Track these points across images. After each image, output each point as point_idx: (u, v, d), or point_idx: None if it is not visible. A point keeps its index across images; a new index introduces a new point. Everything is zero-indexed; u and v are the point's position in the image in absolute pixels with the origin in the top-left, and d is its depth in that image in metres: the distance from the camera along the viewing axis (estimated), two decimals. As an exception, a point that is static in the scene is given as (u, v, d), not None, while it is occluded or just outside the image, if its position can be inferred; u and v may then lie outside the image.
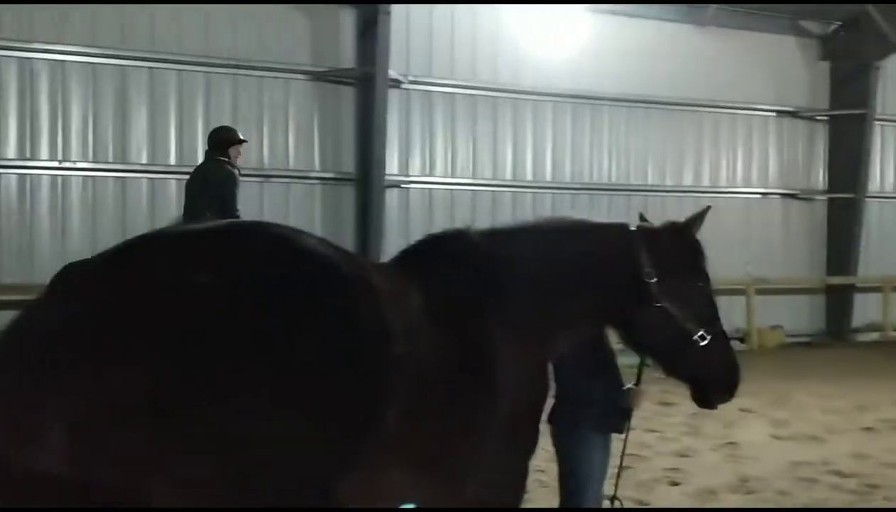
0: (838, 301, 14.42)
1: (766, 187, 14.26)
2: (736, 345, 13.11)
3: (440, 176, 12.01)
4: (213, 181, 7.42)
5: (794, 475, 6.34)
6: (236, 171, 7.55)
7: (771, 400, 9.14)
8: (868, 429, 7.86)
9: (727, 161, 13.98)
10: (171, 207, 10.36)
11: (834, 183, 14.44)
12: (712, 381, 3.36)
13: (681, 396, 8.75)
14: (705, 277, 3.36)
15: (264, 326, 2.13)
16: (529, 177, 12.66)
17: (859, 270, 14.38)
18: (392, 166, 11.58)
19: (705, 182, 13.80)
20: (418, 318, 2.56)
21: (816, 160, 14.56)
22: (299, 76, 11.10)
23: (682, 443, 7.30)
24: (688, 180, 13.72)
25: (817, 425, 7.96)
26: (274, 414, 2.08)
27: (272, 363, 2.10)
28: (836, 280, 14.28)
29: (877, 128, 14.52)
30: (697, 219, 3.37)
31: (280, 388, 2.12)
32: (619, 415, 3.93)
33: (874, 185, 14.74)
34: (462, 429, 2.66)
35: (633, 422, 7.70)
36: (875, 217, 14.79)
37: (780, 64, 14.17)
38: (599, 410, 3.86)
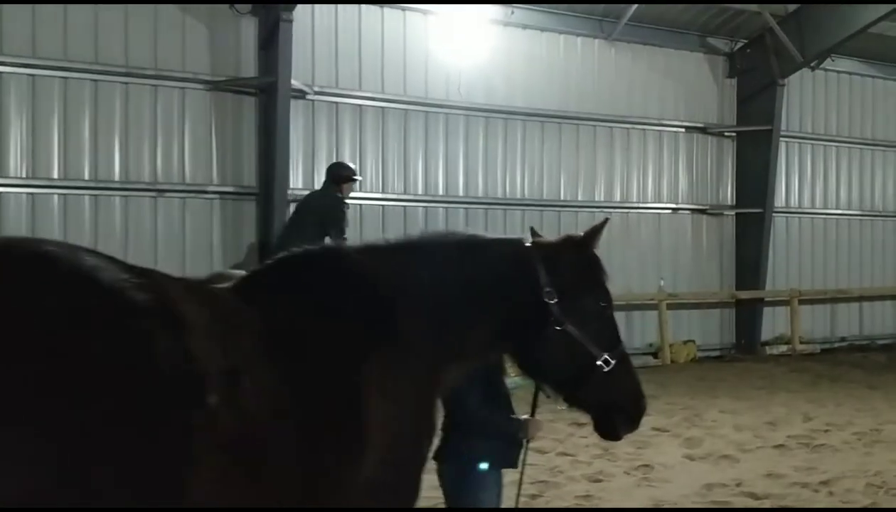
0: (748, 315, 14.56)
1: (676, 202, 14.30)
2: (649, 360, 13.25)
3: (348, 190, 11.55)
4: (323, 210, 7.80)
5: (709, 498, 6.13)
6: (344, 205, 7.89)
7: (684, 418, 9.01)
8: (779, 446, 7.76)
9: (638, 176, 13.96)
10: (52, 225, 9.60)
11: (742, 198, 14.60)
12: (618, 409, 3.03)
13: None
14: (607, 295, 3.03)
15: (9, 377, 1.64)
16: (441, 191, 12.33)
17: (767, 283, 14.57)
18: (297, 180, 11.08)
19: (617, 197, 13.75)
20: (252, 353, 2.11)
21: (725, 176, 14.71)
22: (196, 85, 10.49)
23: (595, 466, 7.02)
24: (600, 195, 13.63)
25: (730, 444, 7.82)
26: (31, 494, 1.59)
27: (19, 430, 1.61)
28: (746, 294, 14.42)
29: (782, 144, 14.79)
30: (596, 232, 3.05)
31: (33, 465, 1.62)
32: (513, 447, 3.58)
33: (780, 200, 15.00)
34: (314, 485, 2.23)
35: (546, 444, 7.49)
36: (781, 231, 15.03)
37: (689, 80, 14.29)
38: (492, 443, 3.51)
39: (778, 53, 13.59)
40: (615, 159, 13.75)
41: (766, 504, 6.00)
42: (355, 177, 8.14)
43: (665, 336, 13.42)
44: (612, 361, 2.94)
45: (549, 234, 3.28)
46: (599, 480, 6.65)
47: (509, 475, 3.77)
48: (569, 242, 3.05)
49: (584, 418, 7.43)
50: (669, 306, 13.73)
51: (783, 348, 14.57)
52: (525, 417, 3.59)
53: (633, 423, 3.09)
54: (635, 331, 13.78)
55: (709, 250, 14.60)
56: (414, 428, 2.57)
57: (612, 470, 6.92)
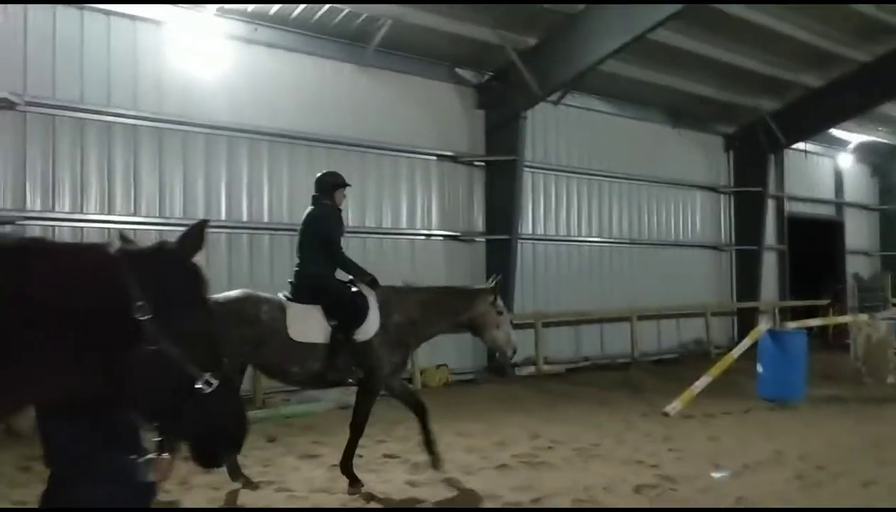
0: (498, 338, 14.92)
1: (429, 229, 14.46)
2: (402, 386, 13.11)
3: (67, 212, 10.48)
4: (316, 223, 7.41)
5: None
6: (337, 212, 7.57)
7: (418, 443, 8.86)
8: (503, 466, 7.83)
9: (392, 202, 13.96)
10: None
11: (491, 225, 15.03)
12: (220, 434, 2.67)
13: (328, 446, 8.20)
14: (208, 309, 2.68)
15: None
16: (179, 213, 11.53)
17: (516, 307, 15.05)
18: (5, 200, 9.91)
19: (371, 223, 13.63)
20: None
21: (476, 203, 15.09)
22: None
23: (312, 500, 6.65)
24: (353, 221, 13.40)
25: (457, 467, 7.76)
26: None
27: None
28: (496, 318, 14.78)
29: (528, 174, 15.47)
30: (195, 238, 2.69)
31: None
32: (139, 493, 3.09)
33: (527, 227, 15.64)
34: None
35: (268, 478, 7.02)
36: (528, 258, 15.66)
37: (440, 109, 14.56)
38: (104, 489, 3.00)
39: (520, 87, 14.17)
40: (368, 185, 13.64)
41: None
42: (347, 183, 7.71)
43: (415, 361, 13.40)
44: (214, 382, 2.60)
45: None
46: (313, 515, 6.30)
47: None
48: (164, 251, 2.67)
49: (318, 449, 7.15)
50: (422, 332, 13.75)
51: (531, 369, 15.09)
52: (152, 455, 3.11)
53: (236, 446, 2.76)
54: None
55: (461, 276, 14.77)
56: None
57: (330, 502, 6.59)
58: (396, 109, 13.89)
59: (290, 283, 7.32)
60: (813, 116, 18.87)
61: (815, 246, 22.72)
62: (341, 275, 7.46)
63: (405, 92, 13.99)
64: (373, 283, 7.25)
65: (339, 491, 6.86)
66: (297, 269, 7.41)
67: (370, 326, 6.99)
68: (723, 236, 20.04)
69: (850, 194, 24.01)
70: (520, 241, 15.22)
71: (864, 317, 13.94)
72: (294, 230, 12.47)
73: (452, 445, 8.77)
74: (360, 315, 6.98)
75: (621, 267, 17.49)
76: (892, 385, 13.03)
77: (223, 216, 11.98)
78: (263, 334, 6.74)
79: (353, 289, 7.18)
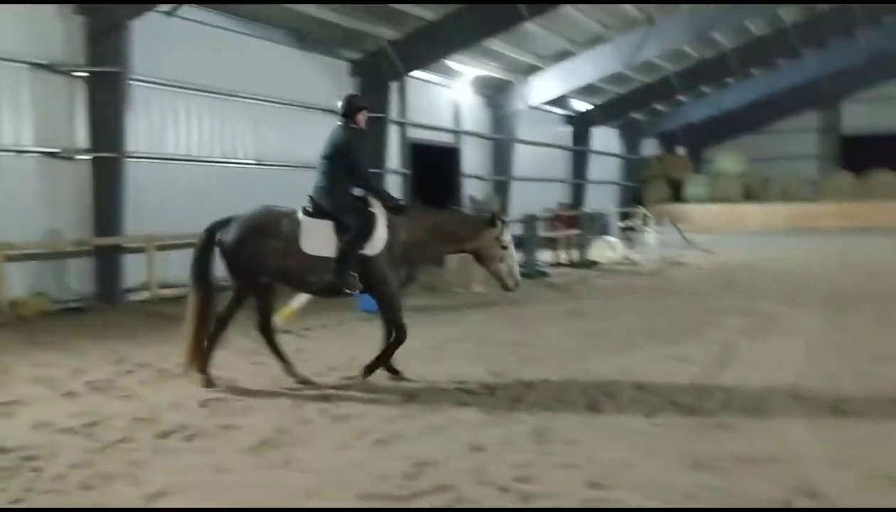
0: (108, 263, 14.18)
1: (20, 145, 13.07)
2: (-10, 318, 11.94)
3: None
4: (338, 144, 7.63)
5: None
6: (361, 134, 7.82)
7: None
8: (69, 393, 7.51)
9: (-31, 114, 12.35)
10: None
11: (97, 142, 14.00)
12: None
13: None
14: None
15: None
16: None
17: (128, 229, 14.35)
18: None
19: (-62, 136, 11.96)
20: None
21: (77, 118, 13.92)
22: None
23: None
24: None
25: (18, 396, 7.30)
26: None
27: None
28: (104, 241, 14.00)
29: (139, 89, 14.62)
30: None
31: None
32: None
33: (139, 145, 14.84)
34: None
35: None
36: (144, 178, 14.90)
37: (29, 12, 13.07)
38: None
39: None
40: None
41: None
42: (367, 106, 7.92)
43: (2, 291, 12.27)
44: None
45: None
46: None
47: None
48: None
49: None
50: (15, 258, 12.60)
51: (145, 295, 14.57)
52: None
53: None
54: (-28, 287, 12.39)
55: (62, 197, 13.74)
56: None
57: None
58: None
59: (309, 197, 7.60)
60: (429, 47, 20.19)
61: (436, 170, 24.66)
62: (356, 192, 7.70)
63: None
64: (398, 209, 7.65)
65: None
66: (315, 184, 7.61)
67: (376, 243, 7.41)
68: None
69: (468, 123, 26.29)
70: (130, 159, 14.44)
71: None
72: None
73: (23, 377, 8.24)
74: (368, 232, 7.37)
75: (246, 188, 17.37)
76: (478, 294, 14.75)
77: None
78: (286, 246, 7.34)
79: (364, 207, 7.52)
